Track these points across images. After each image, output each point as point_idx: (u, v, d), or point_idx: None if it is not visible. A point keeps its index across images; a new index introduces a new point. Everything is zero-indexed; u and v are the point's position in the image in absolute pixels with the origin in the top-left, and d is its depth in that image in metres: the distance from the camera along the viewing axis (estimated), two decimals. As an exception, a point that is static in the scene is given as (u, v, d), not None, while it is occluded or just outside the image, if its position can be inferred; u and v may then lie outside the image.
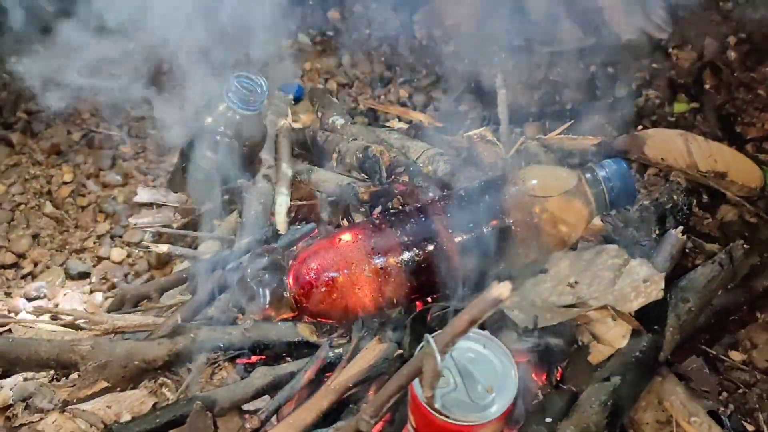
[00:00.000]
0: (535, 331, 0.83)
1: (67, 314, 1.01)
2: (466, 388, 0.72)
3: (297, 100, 1.55)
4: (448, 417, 0.69)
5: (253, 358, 0.97)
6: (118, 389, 0.93)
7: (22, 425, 0.89)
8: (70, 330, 1.01)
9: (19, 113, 1.85)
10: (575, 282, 0.88)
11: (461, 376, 0.72)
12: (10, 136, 1.74)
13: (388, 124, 1.67)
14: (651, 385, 0.84)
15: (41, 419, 0.90)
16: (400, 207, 1.10)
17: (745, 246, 0.98)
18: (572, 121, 1.57)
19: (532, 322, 0.83)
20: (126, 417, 0.90)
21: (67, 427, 0.89)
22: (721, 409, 0.96)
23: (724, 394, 1.06)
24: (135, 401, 0.91)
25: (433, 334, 0.68)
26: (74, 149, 1.71)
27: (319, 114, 1.48)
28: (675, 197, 1.24)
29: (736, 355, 1.16)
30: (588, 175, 0.94)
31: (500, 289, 0.63)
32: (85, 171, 1.64)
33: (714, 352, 1.12)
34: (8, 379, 0.99)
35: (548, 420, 0.80)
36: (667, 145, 1.51)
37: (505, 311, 0.85)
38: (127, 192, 1.59)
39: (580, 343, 0.85)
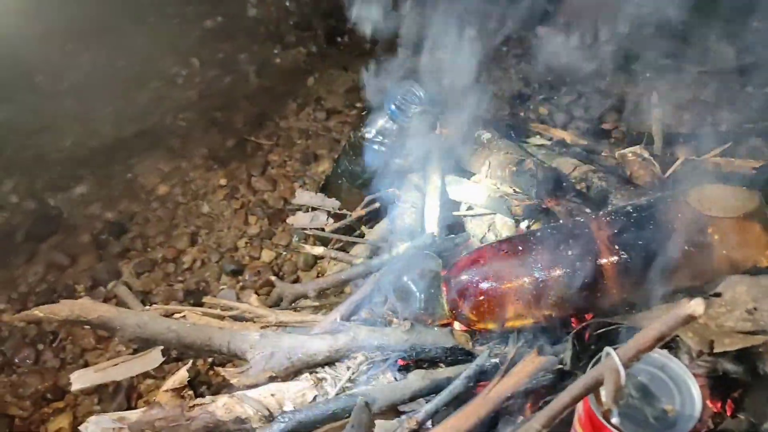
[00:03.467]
0: (710, 357, 0.79)
1: (235, 307, 1.08)
2: (644, 406, 0.70)
3: None
4: (630, 435, 0.67)
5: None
6: (281, 379, 0.98)
7: (195, 405, 0.96)
8: (237, 322, 1.07)
9: (178, 121, 2.01)
10: (754, 308, 0.83)
11: (641, 394, 0.70)
12: (172, 142, 1.90)
13: (529, 140, 1.66)
14: None
15: (212, 402, 0.96)
16: (554, 222, 1.09)
17: None
18: (729, 144, 1.50)
19: (708, 347, 0.79)
20: (288, 406, 0.94)
21: (236, 411, 0.94)
22: None
23: None
24: (297, 392, 0.95)
25: (614, 347, 0.66)
26: (228, 155, 1.84)
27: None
28: None
29: None
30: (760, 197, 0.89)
31: (694, 307, 0.61)
32: (238, 176, 1.75)
33: None
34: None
35: (725, 450, 0.76)
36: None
37: (678, 333, 0.82)
38: (276, 197, 1.68)
39: (761, 372, 0.80)
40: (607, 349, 0.66)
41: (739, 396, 0.81)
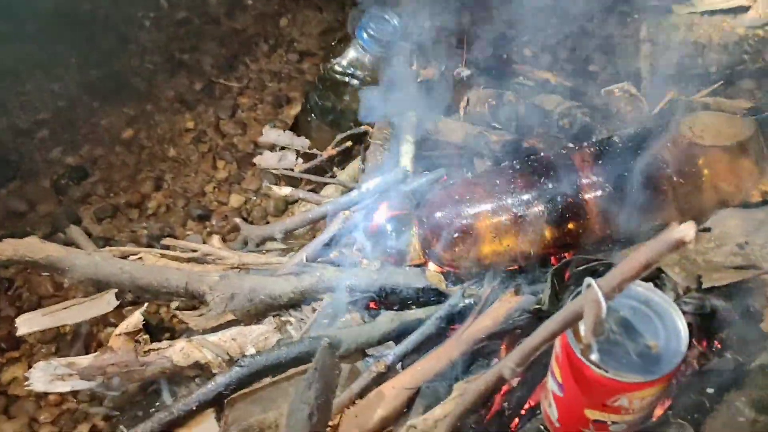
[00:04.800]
0: (698, 293, 0.74)
1: (195, 248, 1.01)
2: (626, 342, 0.64)
3: None
4: (607, 372, 0.62)
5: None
6: (243, 323, 0.92)
7: (151, 350, 0.90)
8: (198, 265, 1.01)
9: (145, 63, 1.91)
10: (745, 243, 0.78)
11: (622, 329, 0.65)
12: (138, 85, 1.80)
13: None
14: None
15: (169, 346, 0.90)
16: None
17: None
18: (721, 83, 1.43)
19: (695, 282, 0.74)
20: (251, 350, 0.88)
21: (194, 356, 0.89)
22: None
23: None
24: (259, 336, 0.90)
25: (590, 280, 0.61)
26: (196, 98, 1.74)
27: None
28: None
29: None
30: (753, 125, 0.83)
31: (685, 231, 0.55)
32: (205, 120, 1.67)
33: None
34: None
35: (710, 390, 0.71)
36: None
37: (663, 268, 0.77)
38: (246, 141, 1.61)
39: (751, 309, 0.75)
40: (588, 279, 0.60)
41: (726, 334, 0.76)
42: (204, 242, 1.32)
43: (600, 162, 0.85)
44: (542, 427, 0.76)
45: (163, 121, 1.67)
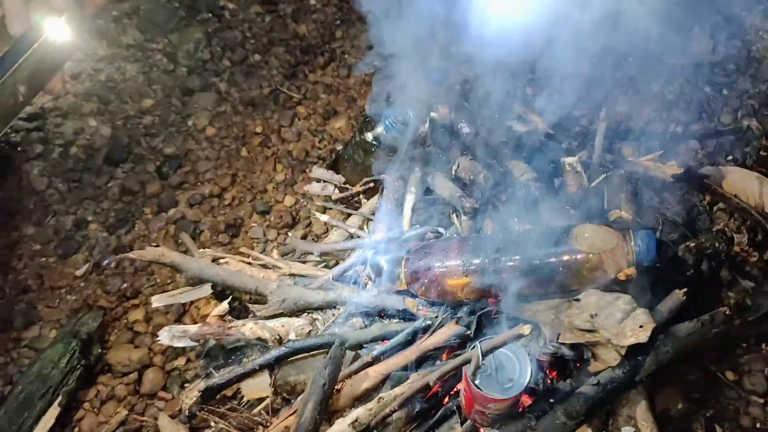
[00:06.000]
0: (556, 343, 1.26)
1: (262, 258, 1.55)
2: (497, 376, 1.17)
3: None
4: (481, 390, 1.15)
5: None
6: (289, 316, 1.47)
7: (232, 326, 1.46)
8: (263, 269, 1.55)
9: (224, 60, 2.38)
10: (595, 314, 1.28)
11: (496, 368, 1.18)
12: (219, 85, 2.28)
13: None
14: (627, 394, 1.25)
15: (243, 325, 1.46)
16: (490, 230, 1.52)
17: (727, 313, 1.31)
18: (662, 152, 1.85)
19: (555, 337, 1.25)
20: (292, 335, 1.44)
21: (258, 333, 1.45)
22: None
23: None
24: (299, 326, 1.45)
25: (482, 339, 1.13)
26: (264, 103, 2.23)
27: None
28: (717, 245, 1.56)
29: (730, 375, 1.52)
30: (626, 239, 1.31)
31: (523, 329, 1.07)
32: (271, 125, 2.16)
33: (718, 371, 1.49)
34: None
35: (551, 400, 1.24)
36: (743, 184, 1.78)
37: (540, 325, 1.28)
38: (300, 148, 2.10)
39: (585, 357, 1.27)
40: (476, 342, 1.12)
41: (568, 370, 1.28)
42: (264, 233, 1.87)
43: (523, 246, 1.34)
44: (457, 406, 1.30)
45: (238, 123, 2.17)
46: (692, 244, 1.55)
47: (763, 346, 1.55)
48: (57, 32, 1.12)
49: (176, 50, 2.35)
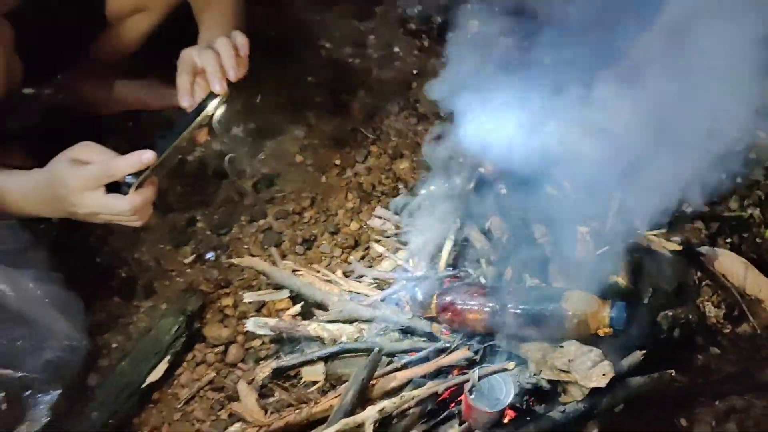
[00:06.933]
0: (538, 376, 1.68)
1: (329, 276, 2.03)
2: (488, 395, 1.60)
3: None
4: (476, 405, 1.58)
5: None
6: (344, 323, 1.94)
7: (300, 325, 1.94)
8: (328, 283, 2.03)
9: (316, 97, 2.85)
10: (572, 359, 1.68)
11: (488, 389, 1.61)
12: (309, 119, 2.76)
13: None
14: (585, 424, 1.66)
15: (308, 324, 1.94)
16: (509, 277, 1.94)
17: (672, 374, 1.70)
18: (666, 230, 2.22)
19: (538, 371, 1.67)
20: (344, 338, 1.91)
21: (319, 333, 1.92)
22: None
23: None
24: (350, 332, 1.91)
25: (480, 366, 1.57)
26: (344, 139, 2.69)
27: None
28: (690, 317, 1.93)
29: (683, 422, 1.90)
30: (605, 307, 1.71)
31: (508, 365, 1.50)
32: (348, 159, 2.62)
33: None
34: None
35: (528, 418, 1.66)
36: (732, 266, 2.15)
37: (529, 361, 1.70)
38: (368, 182, 2.55)
39: (559, 390, 1.68)
40: (476, 368, 1.56)
41: (544, 399, 1.70)
42: (332, 250, 2.35)
43: (524, 302, 1.77)
44: (458, 412, 1.74)
45: (322, 154, 2.64)
46: (670, 313, 1.93)
47: (717, 402, 1.92)
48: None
49: (274, 79, 2.82)
